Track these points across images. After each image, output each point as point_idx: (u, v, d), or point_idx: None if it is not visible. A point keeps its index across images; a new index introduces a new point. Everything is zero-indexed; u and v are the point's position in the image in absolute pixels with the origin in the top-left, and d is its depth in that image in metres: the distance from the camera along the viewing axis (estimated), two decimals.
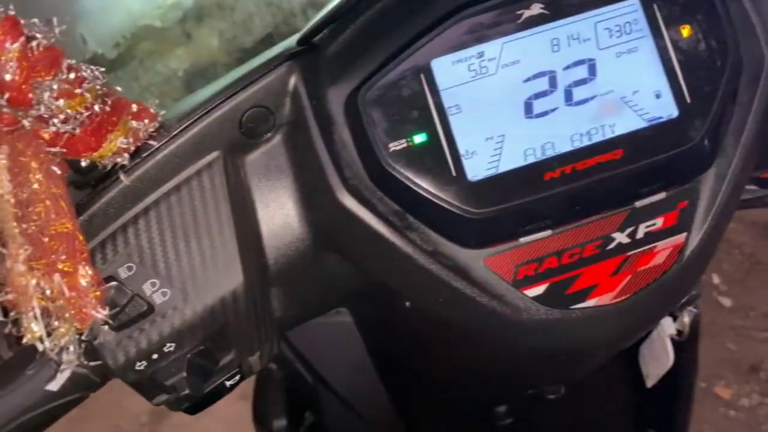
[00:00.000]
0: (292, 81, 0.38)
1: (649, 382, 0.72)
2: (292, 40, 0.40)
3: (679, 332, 0.62)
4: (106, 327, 0.35)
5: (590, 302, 0.39)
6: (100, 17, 0.65)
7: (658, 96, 0.37)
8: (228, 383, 0.40)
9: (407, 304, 0.42)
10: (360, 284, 0.43)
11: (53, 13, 0.31)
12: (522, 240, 0.38)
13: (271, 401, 0.83)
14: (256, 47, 0.63)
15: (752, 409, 1.41)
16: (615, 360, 0.80)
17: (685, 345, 0.72)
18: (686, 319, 0.61)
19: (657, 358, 0.69)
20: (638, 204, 0.38)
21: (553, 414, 0.77)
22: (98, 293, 0.34)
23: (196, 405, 0.39)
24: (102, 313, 0.34)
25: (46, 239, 0.32)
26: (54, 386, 0.36)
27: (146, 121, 0.37)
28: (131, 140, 0.36)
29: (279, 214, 0.39)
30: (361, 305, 0.60)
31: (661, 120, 0.37)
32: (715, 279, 1.64)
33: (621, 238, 0.38)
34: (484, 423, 0.71)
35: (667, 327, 0.66)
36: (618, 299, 0.39)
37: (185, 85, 0.64)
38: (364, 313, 0.62)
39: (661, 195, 0.38)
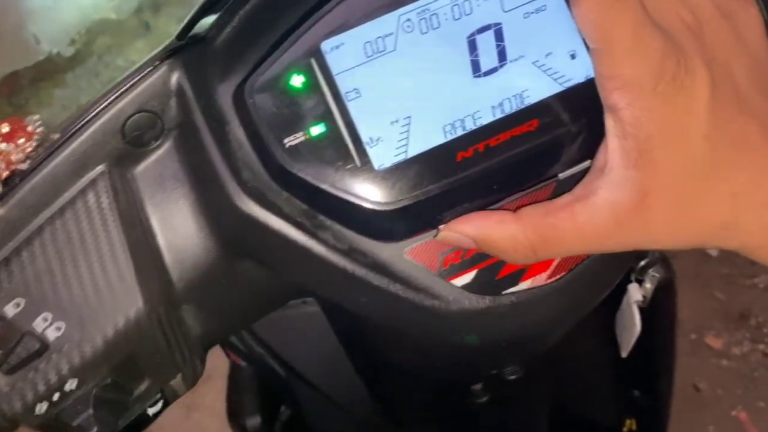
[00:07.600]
0: (175, 79, 0.35)
1: (624, 352, 0.71)
2: None
3: (644, 298, 0.60)
4: None
5: (523, 285, 0.36)
6: (51, 15, 0.62)
7: (573, 56, 0.34)
8: (151, 411, 0.38)
9: None
10: (283, 289, 0.40)
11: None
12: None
13: (243, 399, 0.80)
14: None
15: (744, 357, 1.40)
16: (592, 331, 0.78)
17: (656, 309, 0.70)
18: (648, 284, 0.59)
19: (627, 327, 0.67)
20: (562, 176, 0.35)
21: (532, 389, 0.75)
22: None
23: None
24: None
25: None
26: None
27: (21, 140, 0.34)
28: (3, 165, 0.33)
29: (179, 227, 0.36)
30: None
31: (580, 82, 0.34)
32: None
33: None
34: (462, 403, 0.69)
35: (634, 293, 0.63)
36: (553, 278, 0.37)
37: None
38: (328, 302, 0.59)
39: (587, 163, 0.35)
